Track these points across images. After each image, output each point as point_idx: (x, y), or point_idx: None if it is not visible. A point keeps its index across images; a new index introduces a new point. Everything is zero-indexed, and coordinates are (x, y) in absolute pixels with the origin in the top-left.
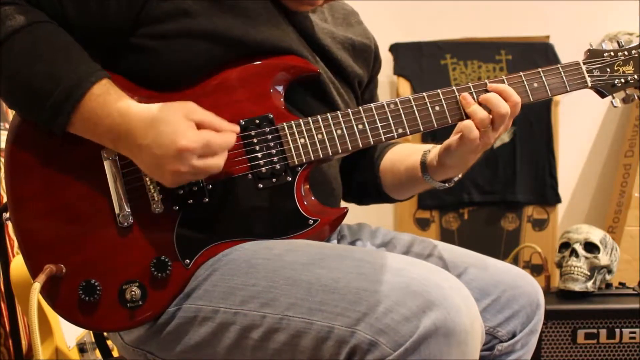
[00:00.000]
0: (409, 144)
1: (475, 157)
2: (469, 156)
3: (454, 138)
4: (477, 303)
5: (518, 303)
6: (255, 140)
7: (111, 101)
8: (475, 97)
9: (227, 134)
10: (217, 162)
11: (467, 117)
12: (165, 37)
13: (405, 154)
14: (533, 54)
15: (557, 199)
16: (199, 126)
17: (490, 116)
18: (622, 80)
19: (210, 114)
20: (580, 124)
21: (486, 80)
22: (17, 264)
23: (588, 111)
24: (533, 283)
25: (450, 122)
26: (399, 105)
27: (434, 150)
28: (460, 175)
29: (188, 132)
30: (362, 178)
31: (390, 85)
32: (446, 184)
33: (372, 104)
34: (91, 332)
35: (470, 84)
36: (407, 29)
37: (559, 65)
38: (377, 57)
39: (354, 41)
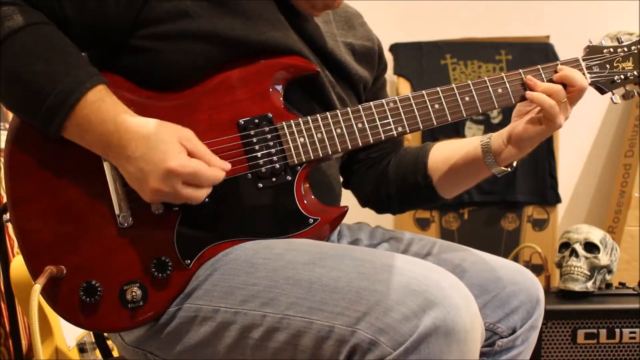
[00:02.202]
0: (452, 140)
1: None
2: (545, 135)
3: (525, 121)
4: (477, 299)
5: (518, 299)
6: (254, 139)
7: (105, 109)
8: (544, 78)
9: (216, 170)
10: (199, 194)
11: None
12: (165, 38)
13: (458, 148)
14: (533, 54)
15: (557, 199)
16: (191, 155)
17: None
18: (622, 77)
19: (204, 147)
20: (580, 124)
21: (558, 62)
22: (17, 264)
23: (588, 111)
24: (532, 279)
25: (450, 119)
26: (399, 104)
27: (495, 138)
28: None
29: (179, 155)
30: (402, 186)
31: (390, 85)
32: (508, 169)
33: (371, 103)
34: (91, 332)
35: (539, 67)
36: (407, 29)
37: (558, 62)
38: (381, 57)
39: (354, 45)
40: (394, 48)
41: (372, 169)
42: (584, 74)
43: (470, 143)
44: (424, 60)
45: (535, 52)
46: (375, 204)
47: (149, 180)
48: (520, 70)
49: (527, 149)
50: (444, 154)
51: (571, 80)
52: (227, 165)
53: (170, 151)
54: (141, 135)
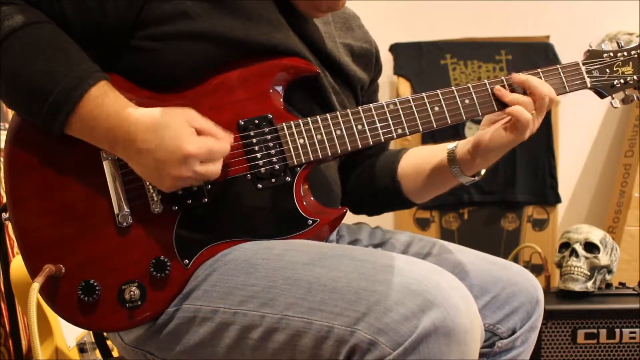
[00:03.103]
0: (424, 146)
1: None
2: (510, 146)
3: (493, 130)
4: (477, 300)
5: (517, 300)
6: (254, 140)
7: (109, 103)
8: (506, 87)
9: (224, 141)
10: (217, 168)
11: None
12: (165, 38)
13: (427, 155)
14: (533, 54)
15: (557, 199)
16: (199, 133)
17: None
18: (622, 81)
19: (208, 121)
20: (580, 124)
21: (558, 66)
22: (17, 264)
23: (588, 111)
24: (532, 279)
25: (449, 122)
26: (398, 106)
27: (461, 146)
28: (484, 170)
29: (192, 138)
30: (373, 188)
31: (390, 85)
32: (475, 178)
33: (371, 105)
34: (91, 332)
35: (503, 78)
36: (407, 29)
37: (558, 66)
38: (377, 61)
39: (352, 47)
40: (394, 48)
41: (355, 170)
42: (583, 77)
43: (440, 151)
44: (423, 60)
45: (535, 52)
46: (351, 204)
47: (167, 169)
48: (520, 73)
49: (492, 160)
50: (414, 160)
51: (528, 86)
52: (231, 136)
53: (182, 136)
54: (147, 127)
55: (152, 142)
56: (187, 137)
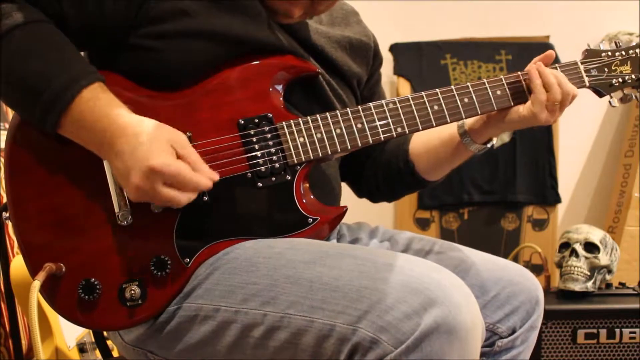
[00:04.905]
0: None
1: None
2: (521, 124)
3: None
4: (477, 300)
5: (518, 299)
6: (254, 139)
7: (100, 106)
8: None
9: (201, 176)
10: (179, 197)
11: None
12: (164, 37)
13: (435, 131)
14: (533, 54)
15: (557, 199)
16: (179, 158)
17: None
18: (620, 80)
19: (196, 154)
20: (580, 124)
21: (557, 65)
22: (17, 264)
23: (588, 111)
24: (532, 279)
25: (449, 121)
26: (398, 105)
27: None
28: (496, 139)
29: (163, 154)
30: (388, 174)
31: (390, 85)
32: (487, 146)
33: (371, 103)
34: (91, 332)
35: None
36: (407, 29)
37: (557, 65)
38: (377, 54)
39: (351, 39)
40: (394, 48)
41: (366, 160)
42: (582, 76)
43: (448, 125)
44: (424, 60)
45: (535, 52)
46: (369, 193)
47: (131, 177)
48: (519, 73)
49: (504, 130)
50: (423, 138)
51: (559, 81)
52: (216, 176)
53: (155, 150)
54: (132, 133)
55: (128, 147)
56: (159, 152)
